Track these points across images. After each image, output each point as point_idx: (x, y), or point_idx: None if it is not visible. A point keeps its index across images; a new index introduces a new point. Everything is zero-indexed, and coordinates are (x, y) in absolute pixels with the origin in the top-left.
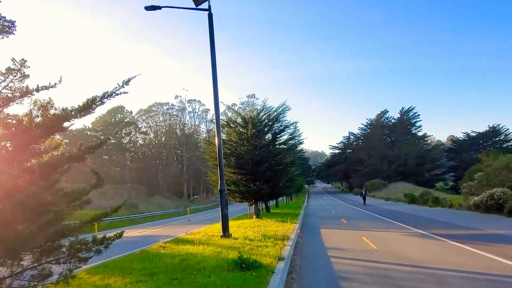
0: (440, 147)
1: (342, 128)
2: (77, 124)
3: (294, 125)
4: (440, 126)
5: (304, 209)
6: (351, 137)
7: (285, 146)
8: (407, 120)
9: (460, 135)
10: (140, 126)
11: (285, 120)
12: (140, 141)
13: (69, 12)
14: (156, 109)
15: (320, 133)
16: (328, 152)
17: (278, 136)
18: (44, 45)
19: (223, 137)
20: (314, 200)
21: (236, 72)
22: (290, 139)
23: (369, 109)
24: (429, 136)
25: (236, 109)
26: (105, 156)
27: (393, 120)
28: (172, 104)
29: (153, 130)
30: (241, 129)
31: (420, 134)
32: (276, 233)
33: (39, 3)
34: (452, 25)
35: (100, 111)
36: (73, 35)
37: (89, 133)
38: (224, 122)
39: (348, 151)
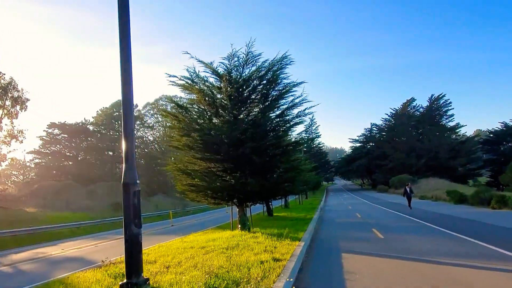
0: (475, 139)
1: (364, 122)
2: (77, 117)
3: (300, 94)
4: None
5: (320, 211)
6: (374, 129)
7: (285, 120)
8: (437, 108)
9: (485, 128)
10: (146, 120)
11: (286, 80)
12: (149, 137)
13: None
14: (164, 103)
15: (340, 129)
16: (347, 148)
17: (274, 102)
18: None
19: (184, 101)
20: (333, 199)
21: None
22: (291, 106)
23: (392, 101)
24: (463, 126)
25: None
26: (110, 152)
27: (421, 109)
28: (181, 97)
29: (161, 125)
30: (214, 92)
31: (451, 124)
32: (249, 273)
33: None
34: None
35: (103, 103)
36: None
37: (91, 127)
38: (185, 81)
39: (370, 144)
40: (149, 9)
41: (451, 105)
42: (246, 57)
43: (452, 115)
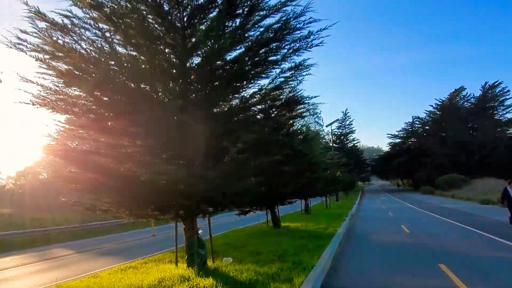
0: None
1: (404, 118)
2: None
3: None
4: None
5: (350, 219)
6: (416, 122)
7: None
8: (492, 98)
9: None
10: None
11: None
12: None
13: None
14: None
15: (377, 127)
16: (385, 147)
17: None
18: None
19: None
20: (369, 202)
21: None
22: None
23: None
24: None
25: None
26: None
27: (472, 100)
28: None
29: None
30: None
31: (510, 115)
32: None
33: None
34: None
35: None
36: None
37: None
38: None
39: (412, 140)
40: None
41: (509, 94)
42: None
43: (510, 105)
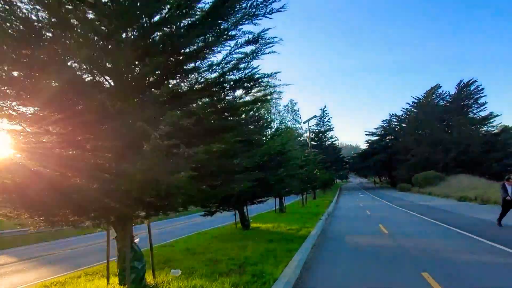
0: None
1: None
2: None
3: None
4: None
5: (326, 218)
6: (393, 120)
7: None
8: (466, 96)
9: None
10: None
11: None
12: None
13: None
14: None
15: (355, 126)
16: (363, 145)
17: None
18: None
19: None
20: (347, 200)
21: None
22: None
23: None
24: (497, 115)
25: (256, 94)
26: None
27: (448, 98)
28: None
29: None
30: None
31: (484, 113)
32: None
33: None
34: None
35: None
36: None
37: None
38: None
39: (390, 138)
40: None
41: (483, 92)
42: None
43: (485, 103)
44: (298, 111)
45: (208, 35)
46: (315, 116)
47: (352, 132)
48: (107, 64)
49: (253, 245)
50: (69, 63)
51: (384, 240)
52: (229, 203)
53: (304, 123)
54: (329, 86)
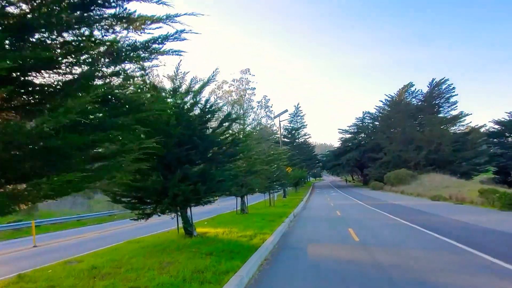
0: (481, 130)
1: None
2: None
3: None
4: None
5: (292, 219)
6: (366, 118)
7: None
8: (438, 95)
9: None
10: None
11: None
12: None
13: None
14: None
15: (329, 125)
16: (337, 143)
17: None
18: None
19: None
20: (318, 198)
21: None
22: None
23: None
24: (467, 114)
25: (227, 89)
26: None
27: (420, 96)
28: None
29: None
30: None
31: (455, 112)
32: None
33: None
34: None
35: None
36: None
37: None
38: None
39: (362, 135)
40: None
41: (454, 91)
42: None
43: (455, 102)
44: (271, 107)
45: None
46: (286, 111)
47: (327, 132)
48: None
49: (183, 261)
50: None
51: (355, 251)
52: (162, 204)
53: (275, 117)
54: (305, 86)
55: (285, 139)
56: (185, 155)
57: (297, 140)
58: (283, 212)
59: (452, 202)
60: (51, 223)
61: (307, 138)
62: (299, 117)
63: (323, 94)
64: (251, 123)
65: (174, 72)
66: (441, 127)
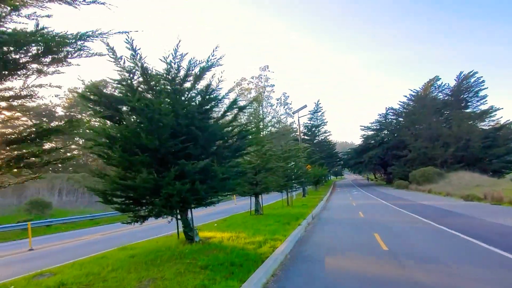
0: None
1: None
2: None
3: None
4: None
5: (309, 222)
6: (390, 114)
7: None
8: (467, 88)
9: None
10: None
11: None
12: None
13: None
14: None
15: (351, 123)
16: (359, 141)
17: None
18: None
19: None
20: (339, 198)
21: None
22: None
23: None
24: (498, 109)
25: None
26: None
27: (446, 91)
28: None
29: None
30: None
31: (484, 107)
32: None
33: None
34: None
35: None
36: None
37: None
38: None
39: (386, 132)
40: None
41: (483, 84)
42: None
43: (485, 96)
44: (290, 104)
45: None
46: (305, 106)
47: (348, 131)
48: None
49: (168, 278)
50: None
51: (384, 265)
52: (154, 206)
53: (294, 113)
54: (326, 84)
55: (305, 137)
56: (180, 148)
57: (317, 138)
58: (300, 213)
59: (487, 202)
60: (63, 223)
61: (328, 136)
62: (319, 114)
63: (344, 92)
64: (270, 120)
65: (172, 54)
66: (470, 122)
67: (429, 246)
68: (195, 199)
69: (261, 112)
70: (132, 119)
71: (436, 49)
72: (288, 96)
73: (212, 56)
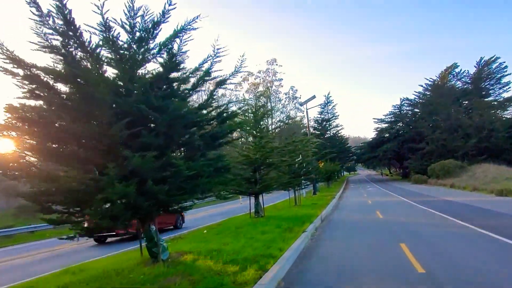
0: None
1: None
2: None
3: None
4: None
5: (315, 230)
6: (405, 105)
7: None
8: (488, 75)
9: None
10: None
11: None
12: None
13: None
14: None
15: (364, 117)
16: (372, 135)
17: None
18: None
19: None
20: (353, 195)
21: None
22: None
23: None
24: None
25: (254, 80)
26: None
27: (466, 78)
28: None
29: None
30: None
31: (507, 95)
32: None
33: None
34: None
35: None
36: None
37: None
38: None
39: (400, 124)
40: None
41: (506, 70)
42: None
43: (508, 83)
44: (299, 98)
45: None
46: (314, 97)
47: (361, 126)
48: None
49: None
50: None
51: None
52: (104, 218)
53: (302, 104)
54: (338, 77)
55: (315, 131)
56: (128, 135)
57: (328, 132)
58: (307, 215)
59: None
60: (51, 228)
61: (339, 130)
62: (330, 107)
63: (355, 86)
64: (279, 115)
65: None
66: (492, 111)
67: (482, 264)
68: (150, 206)
69: (269, 106)
70: (56, 100)
71: (452, 38)
72: (297, 90)
73: (169, 5)
